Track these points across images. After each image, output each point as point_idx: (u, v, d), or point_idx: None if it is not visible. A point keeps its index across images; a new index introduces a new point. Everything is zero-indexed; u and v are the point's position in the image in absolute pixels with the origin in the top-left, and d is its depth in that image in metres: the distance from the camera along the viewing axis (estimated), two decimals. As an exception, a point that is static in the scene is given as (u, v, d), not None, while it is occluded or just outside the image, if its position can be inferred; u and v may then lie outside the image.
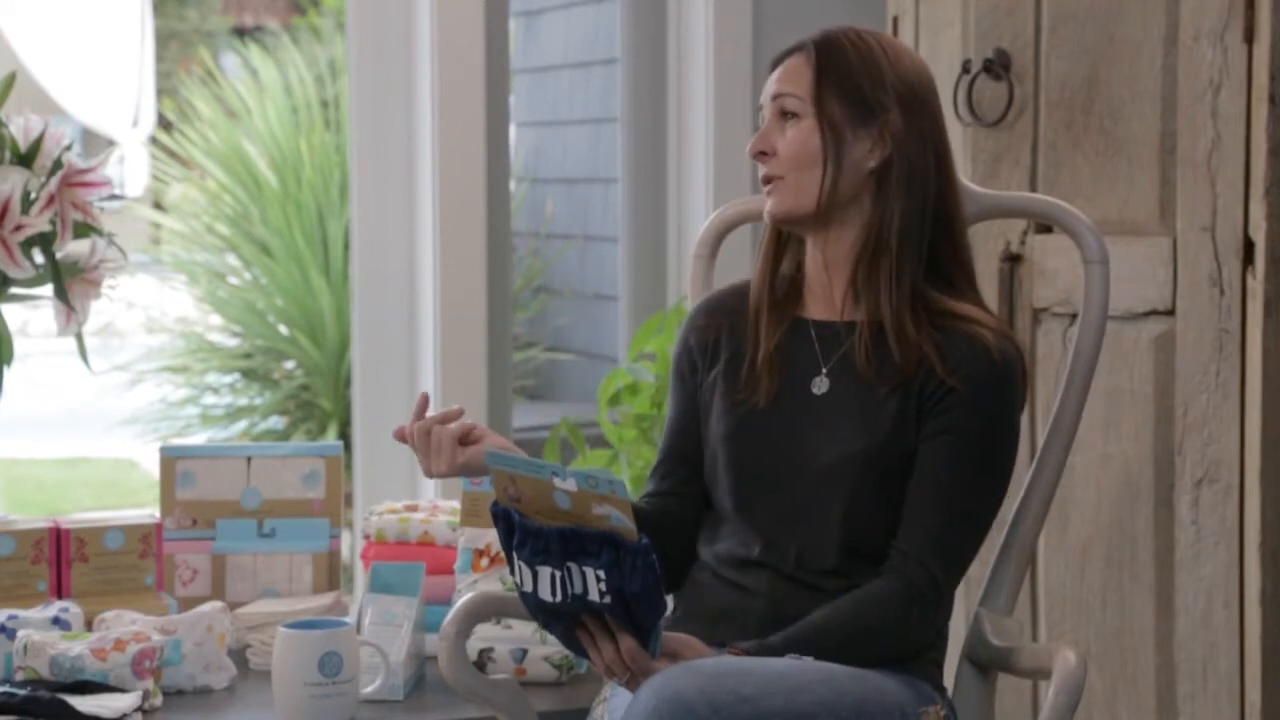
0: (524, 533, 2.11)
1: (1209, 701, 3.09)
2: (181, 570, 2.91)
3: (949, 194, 2.33)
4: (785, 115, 2.31)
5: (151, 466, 6.21)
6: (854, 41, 2.31)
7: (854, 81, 2.29)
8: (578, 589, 2.09)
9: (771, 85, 2.33)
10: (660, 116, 4.12)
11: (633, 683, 2.14)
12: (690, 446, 2.41)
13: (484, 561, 2.72)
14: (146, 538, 2.84)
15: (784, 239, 2.39)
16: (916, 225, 2.30)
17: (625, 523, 2.05)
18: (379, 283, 3.90)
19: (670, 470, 2.42)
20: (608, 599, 2.08)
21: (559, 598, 2.10)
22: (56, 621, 2.65)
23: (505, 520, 2.13)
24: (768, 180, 2.33)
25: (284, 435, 6.29)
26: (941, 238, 2.32)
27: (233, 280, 6.49)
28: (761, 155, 2.32)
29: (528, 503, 2.10)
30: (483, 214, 3.84)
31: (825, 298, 2.36)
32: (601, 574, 2.07)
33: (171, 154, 6.84)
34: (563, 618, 2.14)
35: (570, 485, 2.06)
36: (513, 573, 2.14)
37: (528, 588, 2.12)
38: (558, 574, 2.09)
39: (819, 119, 2.29)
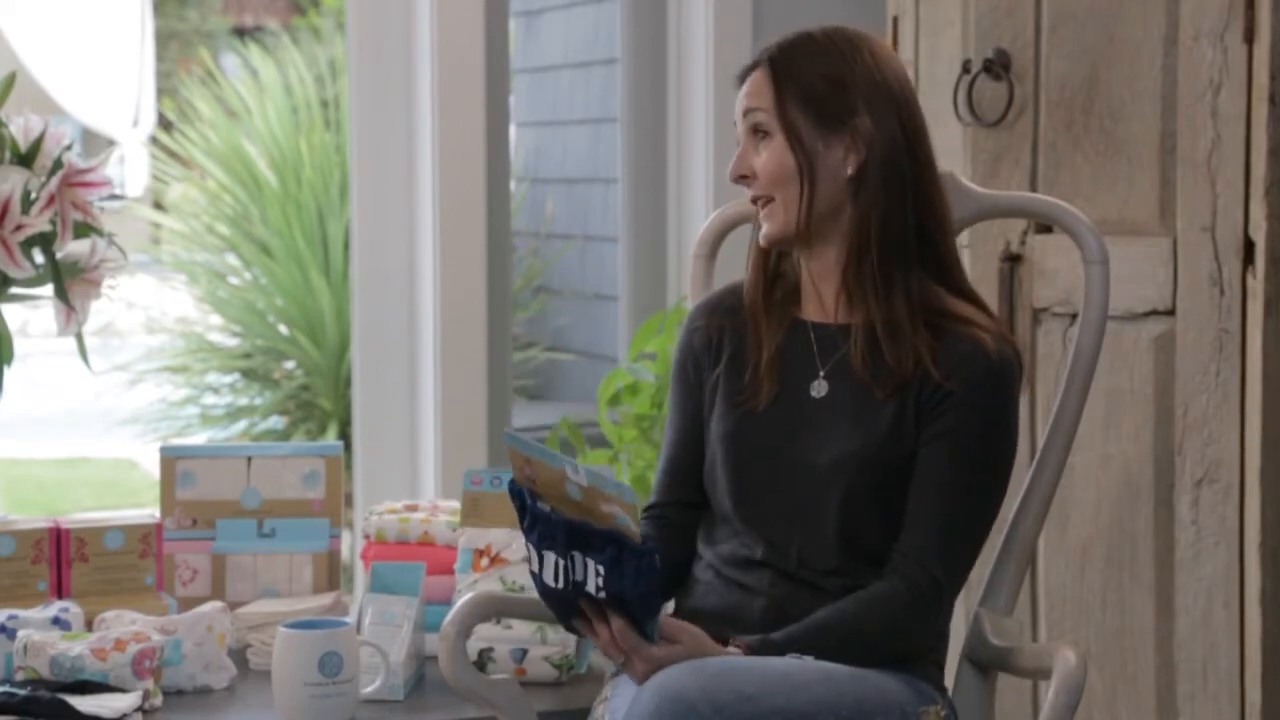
0: (534, 517, 2.14)
1: (1209, 701, 3.09)
2: (181, 570, 2.91)
3: (932, 186, 2.32)
4: (758, 133, 2.30)
5: (151, 466, 6.21)
6: (811, 47, 2.29)
7: (814, 89, 2.27)
8: (578, 577, 2.12)
9: (740, 101, 2.32)
10: (660, 116, 4.12)
11: (629, 665, 2.15)
12: (696, 452, 2.41)
13: (484, 561, 2.72)
14: (146, 538, 2.83)
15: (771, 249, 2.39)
16: (898, 224, 2.29)
17: (629, 525, 2.07)
18: (379, 283, 3.91)
19: (678, 479, 2.42)
20: (603, 594, 2.10)
21: (560, 583, 2.14)
22: (56, 621, 2.65)
23: (520, 500, 2.17)
24: (756, 201, 2.33)
25: (284, 435, 6.29)
26: (933, 231, 2.32)
27: (233, 280, 6.49)
28: (743, 179, 2.32)
29: (542, 486, 2.14)
30: (483, 214, 3.85)
31: (818, 299, 2.36)
32: (601, 569, 2.09)
33: (171, 154, 6.84)
34: (564, 601, 2.16)
35: (582, 480, 2.09)
36: (526, 552, 2.19)
37: (534, 569, 2.17)
38: (561, 561, 2.12)
39: (786, 134, 2.28)
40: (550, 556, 2.13)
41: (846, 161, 2.29)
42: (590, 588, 2.11)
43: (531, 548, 2.16)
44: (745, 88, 2.32)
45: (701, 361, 2.41)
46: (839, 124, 2.28)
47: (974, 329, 2.28)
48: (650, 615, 2.13)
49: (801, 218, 2.29)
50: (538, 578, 2.17)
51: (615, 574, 2.08)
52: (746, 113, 2.31)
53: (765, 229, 2.32)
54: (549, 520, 2.13)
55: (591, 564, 2.10)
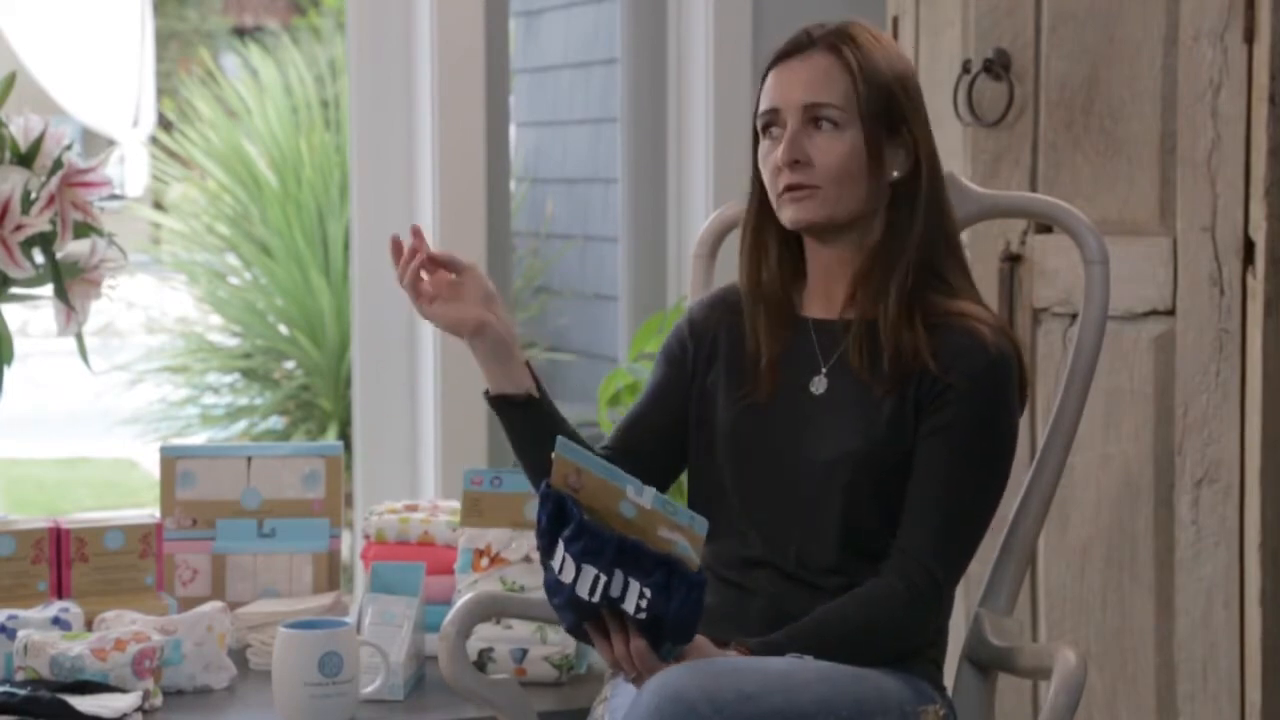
0: (580, 528, 2.08)
1: (1209, 701, 3.09)
2: (181, 570, 2.91)
3: (944, 189, 2.33)
4: (817, 121, 2.27)
5: (151, 466, 6.21)
6: (874, 44, 2.28)
7: (888, 88, 2.27)
8: (615, 594, 2.07)
9: (799, 91, 2.27)
10: (660, 116, 4.11)
11: (638, 681, 2.13)
12: (659, 417, 2.39)
13: (484, 561, 2.72)
14: (146, 538, 2.84)
15: (765, 241, 2.36)
16: (935, 229, 2.29)
17: (690, 554, 2.05)
18: (379, 283, 3.90)
19: (631, 434, 2.40)
20: (643, 615, 2.07)
21: (595, 597, 2.08)
22: (56, 621, 2.65)
23: (558, 506, 2.10)
24: (796, 188, 2.27)
25: (284, 435, 6.29)
26: (943, 236, 2.32)
27: (233, 280, 6.49)
28: (795, 164, 2.27)
29: (586, 497, 2.09)
30: (483, 214, 3.84)
31: (825, 296, 2.35)
32: (648, 592, 2.05)
33: (171, 154, 6.84)
34: (585, 612, 2.12)
35: (645, 502, 2.06)
36: (549, 557, 2.11)
37: (566, 578, 2.09)
38: (602, 577, 2.07)
39: (864, 128, 2.25)
40: (589, 570, 2.07)
41: (897, 164, 2.28)
42: (629, 607, 2.07)
43: (570, 558, 2.08)
44: (808, 74, 2.27)
45: (692, 350, 2.39)
46: (898, 124, 2.27)
47: (972, 323, 2.28)
48: (680, 642, 2.11)
49: (856, 213, 2.28)
50: (566, 587, 2.09)
51: (661, 598, 2.06)
52: (814, 105, 2.26)
53: (796, 213, 2.28)
54: (597, 535, 2.07)
55: (636, 584, 2.06)
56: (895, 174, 2.29)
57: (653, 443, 2.39)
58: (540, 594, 2.21)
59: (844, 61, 2.26)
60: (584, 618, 2.13)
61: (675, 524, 2.05)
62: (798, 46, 2.29)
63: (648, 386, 2.43)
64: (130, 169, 8.66)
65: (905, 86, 2.29)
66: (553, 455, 2.11)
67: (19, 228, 2.80)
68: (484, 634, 2.66)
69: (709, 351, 2.39)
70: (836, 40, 2.28)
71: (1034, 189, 3.13)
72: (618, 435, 2.42)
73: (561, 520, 2.10)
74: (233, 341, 6.54)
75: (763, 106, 2.31)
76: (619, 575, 2.07)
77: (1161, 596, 3.12)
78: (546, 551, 2.12)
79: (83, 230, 2.87)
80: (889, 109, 2.27)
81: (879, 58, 2.27)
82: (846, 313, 2.33)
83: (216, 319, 6.58)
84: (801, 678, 2.12)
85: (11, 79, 2.91)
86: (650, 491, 2.06)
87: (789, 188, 2.28)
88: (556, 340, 5.78)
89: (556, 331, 5.79)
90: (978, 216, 2.51)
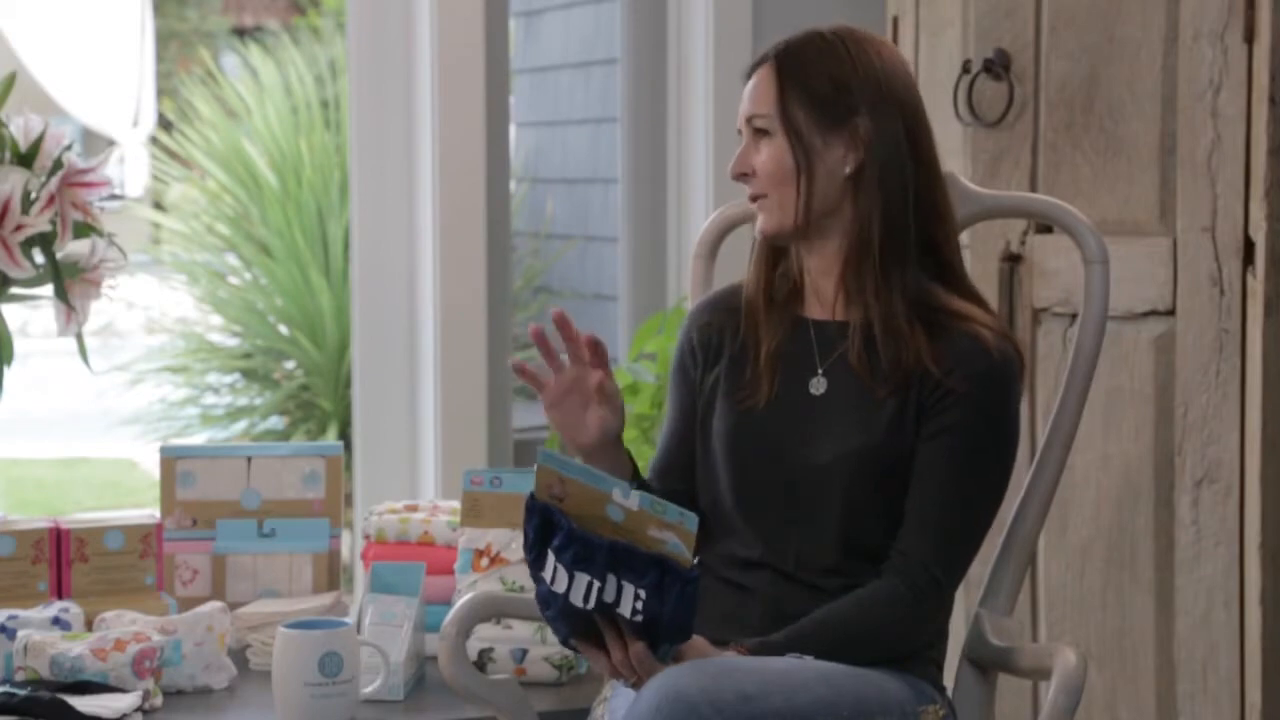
0: (569, 536, 2.08)
1: (1209, 701, 3.09)
2: (181, 570, 2.91)
3: (935, 187, 2.32)
4: (759, 132, 2.32)
5: (151, 466, 6.21)
6: (817, 47, 2.30)
7: (816, 89, 2.28)
8: (609, 599, 2.07)
9: (744, 104, 2.34)
10: (660, 116, 4.11)
11: (639, 685, 2.13)
12: (689, 448, 2.40)
13: (484, 561, 2.72)
14: (146, 538, 2.84)
15: (773, 248, 2.39)
16: (898, 224, 2.29)
17: (682, 551, 2.05)
18: (379, 283, 3.90)
19: (670, 470, 2.41)
20: (639, 617, 2.07)
21: (589, 604, 2.08)
22: (56, 621, 2.65)
23: (544, 517, 2.10)
24: (752, 199, 2.34)
25: (284, 435, 6.29)
26: (935, 231, 2.32)
27: (233, 280, 6.49)
28: (743, 176, 2.33)
29: (571, 505, 2.09)
30: (483, 214, 3.84)
31: (819, 296, 2.36)
32: (643, 594, 2.05)
33: (171, 154, 6.85)
34: (579, 620, 2.12)
35: (632, 504, 2.06)
36: (539, 568, 2.11)
37: (558, 588, 2.09)
38: (596, 583, 2.07)
39: (786, 133, 2.29)
40: (583, 578, 2.07)
41: (846, 160, 2.29)
42: (625, 610, 2.07)
43: (561, 568, 2.08)
44: (750, 88, 2.33)
45: (700, 358, 2.41)
46: (840, 123, 2.28)
47: (974, 325, 2.28)
48: (677, 641, 2.11)
49: (799, 215, 2.30)
50: (559, 597, 2.09)
51: (655, 598, 2.06)
52: (751, 117, 2.32)
53: (760, 223, 2.34)
54: (589, 543, 2.07)
55: (630, 587, 2.06)
56: (846, 170, 2.29)
57: (693, 477, 2.40)
58: (540, 594, 2.21)
59: (775, 69, 2.30)
60: (578, 627, 2.12)
61: (664, 522, 2.05)
62: (758, 62, 2.34)
63: (670, 417, 2.43)
64: (130, 169, 8.65)
65: (848, 85, 2.28)
66: (535, 467, 2.12)
67: (19, 228, 2.80)
68: (484, 634, 2.66)
69: (715, 354, 2.40)
70: (782, 50, 2.31)
71: (1034, 189, 3.13)
72: (659, 479, 2.42)
73: (549, 531, 2.10)
74: (233, 341, 6.54)
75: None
76: (612, 580, 2.06)
77: (1161, 596, 3.12)
78: (536, 564, 2.12)
79: (83, 230, 2.87)
80: (819, 107, 2.28)
81: (813, 60, 2.29)
82: (840, 313, 2.34)
83: (216, 319, 6.58)
84: (802, 678, 2.12)
85: (11, 79, 2.91)
86: (636, 492, 2.06)
87: (750, 199, 2.34)
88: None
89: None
90: (978, 216, 2.51)
